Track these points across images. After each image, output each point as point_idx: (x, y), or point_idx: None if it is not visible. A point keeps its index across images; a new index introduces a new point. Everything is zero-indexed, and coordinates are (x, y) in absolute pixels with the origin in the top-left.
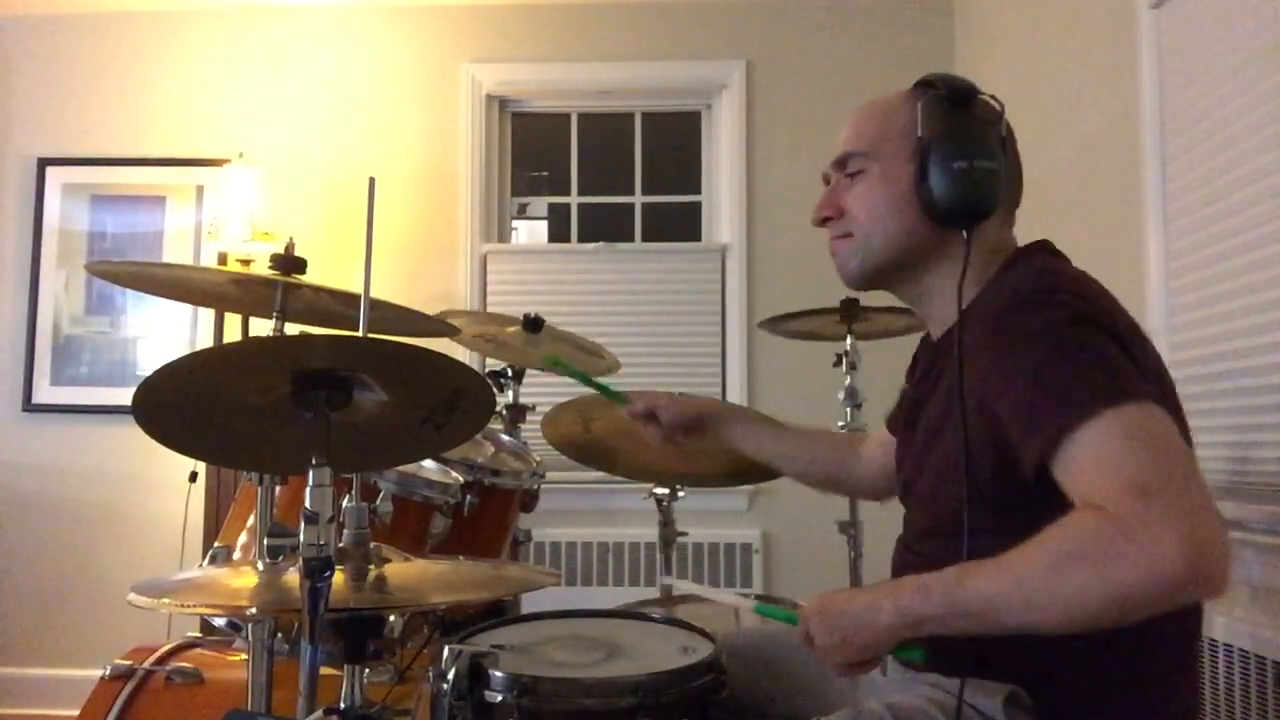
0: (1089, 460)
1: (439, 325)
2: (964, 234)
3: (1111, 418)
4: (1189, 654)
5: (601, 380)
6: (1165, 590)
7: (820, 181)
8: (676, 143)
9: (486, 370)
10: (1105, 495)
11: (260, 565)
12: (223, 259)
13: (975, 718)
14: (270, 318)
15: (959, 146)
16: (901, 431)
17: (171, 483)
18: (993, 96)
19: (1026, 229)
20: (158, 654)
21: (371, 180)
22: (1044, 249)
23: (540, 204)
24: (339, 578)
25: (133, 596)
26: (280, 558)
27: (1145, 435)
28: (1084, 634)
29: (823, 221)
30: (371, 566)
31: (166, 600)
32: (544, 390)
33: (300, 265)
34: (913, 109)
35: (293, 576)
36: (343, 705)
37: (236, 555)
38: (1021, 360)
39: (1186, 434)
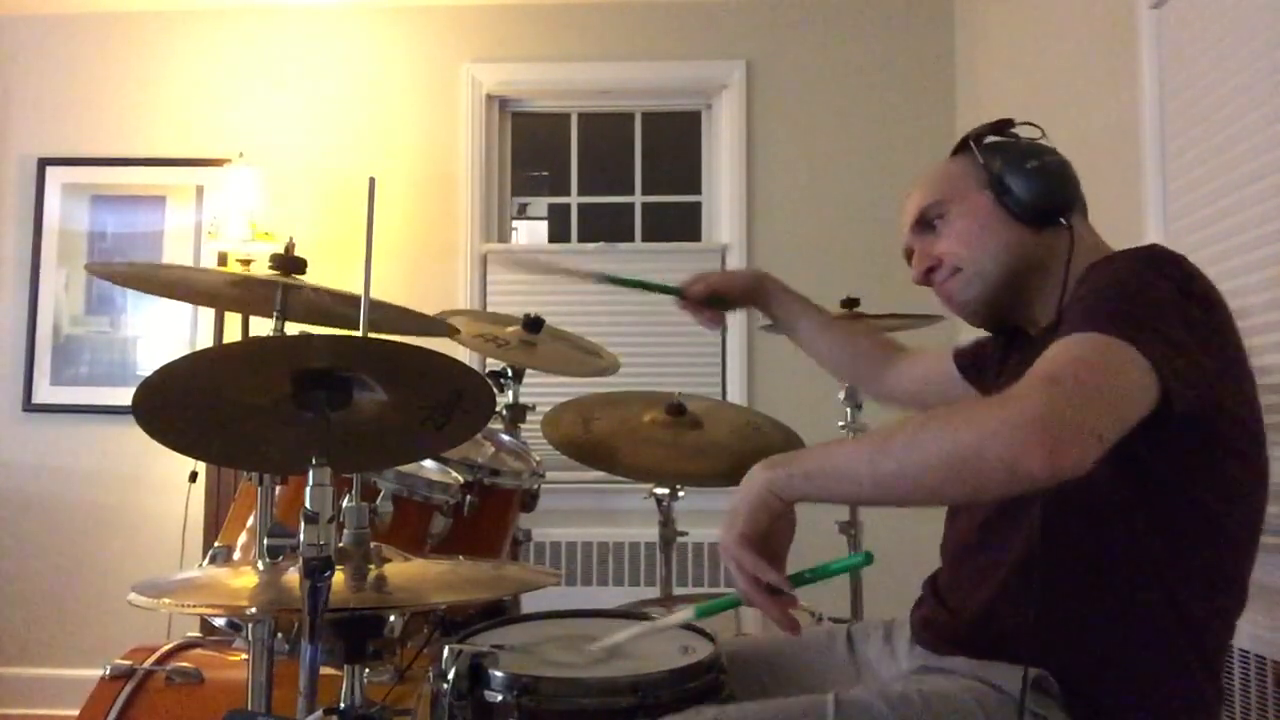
0: (1047, 352)
1: (439, 325)
2: (1062, 222)
3: (1099, 339)
4: (1217, 652)
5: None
6: (1009, 466)
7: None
8: (676, 143)
9: (486, 370)
10: (1029, 379)
11: (260, 565)
12: (223, 259)
13: (1000, 700)
14: (270, 318)
15: (1024, 152)
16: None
17: (171, 483)
18: (1029, 123)
19: None
20: (158, 654)
21: (371, 180)
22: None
23: (540, 204)
24: (339, 578)
25: (133, 596)
26: (280, 557)
27: (1101, 358)
28: (1106, 619)
29: (926, 275)
30: (371, 566)
31: (167, 600)
32: (544, 390)
33: (300, 265)
34: (965, 157)
35: (293, 577)
36: (343, 705)
37: (236, 555)
38: (1090, 293)
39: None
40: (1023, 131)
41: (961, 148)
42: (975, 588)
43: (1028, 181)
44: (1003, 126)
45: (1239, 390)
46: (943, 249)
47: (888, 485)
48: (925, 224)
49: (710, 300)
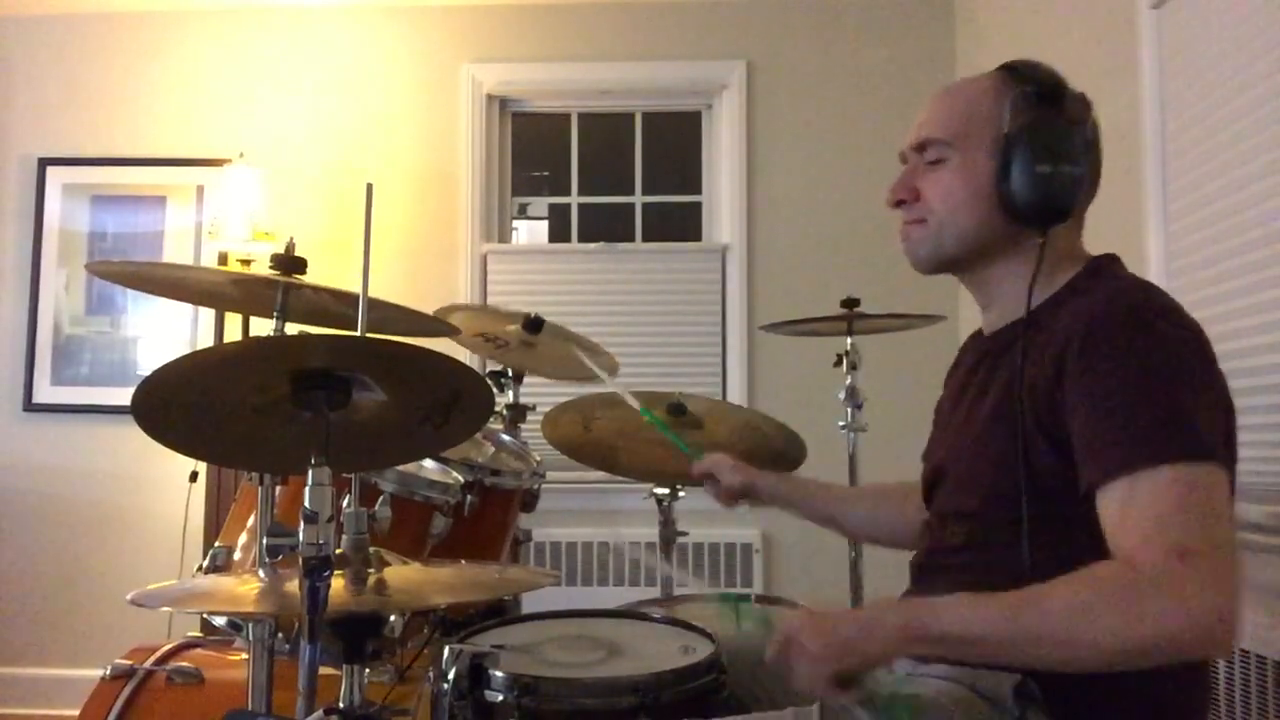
0: (1141, 508)
1: (439, 325)
2: (1040, 234)
3: (1175, 473)
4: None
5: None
6: (1179, 651)
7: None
8: (677, 143)
9: (486, 370)
10: (1146, 546)
11: (261, 572)
12: (223, 259)
13: (984, 707)
14: (270, 318)
15: (1043, 149)
16: (941, 417)
17: (171, 483)
18: (1082, 95)
19: None
20: (158, 654)
21: (369, 186)
22: (1116, 261)
23: (540, 204)
24: (338, 583)
25: (134, 593)
26: (280, 557)
27: (1202, 499)
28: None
29: (897, 204)
30: (371, 571)
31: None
32: (544, 390)
33: (300, 265)
34: (998, 99)
35: (294, 584)
36: (342, 705)
37: (237, 555)
38: (1107, 381)
39: (1234, 450)
40: (1073, 106)
41: (1007, 79)
42: (949, 585)
43: (1029, 184)
44: (1052, 89)
45: (1232, 426)
46: (925, 190)
47: (1040, 663)
48: (922, 148)
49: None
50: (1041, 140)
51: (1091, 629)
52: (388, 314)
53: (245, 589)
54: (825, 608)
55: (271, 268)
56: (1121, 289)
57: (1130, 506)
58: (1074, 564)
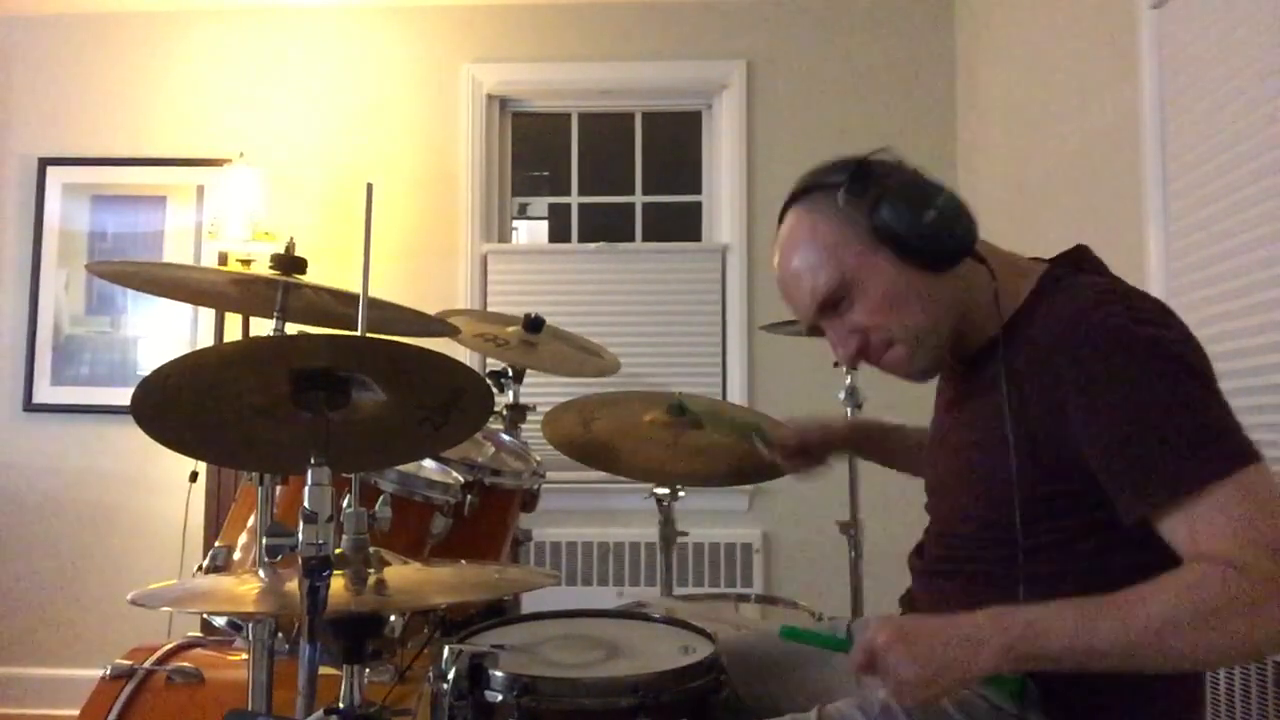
0: (1219, 523)
1: (439, 325)
2: (976, 259)
3: (1235, 482)
4: None
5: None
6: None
7: None
8: (677, 143)
9: (486, 370)
10: (1242, 550)
11: (262, 572)
12: (223, 259)
13: (985, 707)
14: (271, 318)
15: (910, 202)
16: (933, 435)
17: (171, 483)
18: (882, 150)
19: (1028, 229)
20: (158, 654)
21: (369, 186)
22: (1081, 259)
23: (541, 204)
24: (338, 583)
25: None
26: (280, 557)
27: (1268, 497)
28: None
29: (858, 353)
30: (371, 571)
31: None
32: (544, 390)
33: (300, 265)
34: (833, 216)
35: (294, 584)
36: (342, 705)
37: (237, 555)
38: (1122, 408)
39: None
40: (881, 164)
41: (813, 200)
42: (948, 599)
43: (930, 233)
44: (858, 168)
45: None
46: (865, 324)
47: (1154, 670)
48: (830, 306)
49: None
50: (900, 200)
51: (1221, 636)
52: (388, 314)
53: (245, 589)
54: (914, 622)
55: (271, 268)
56: (1090, 301)
57: (1203, 525)
58: (1076, 584)
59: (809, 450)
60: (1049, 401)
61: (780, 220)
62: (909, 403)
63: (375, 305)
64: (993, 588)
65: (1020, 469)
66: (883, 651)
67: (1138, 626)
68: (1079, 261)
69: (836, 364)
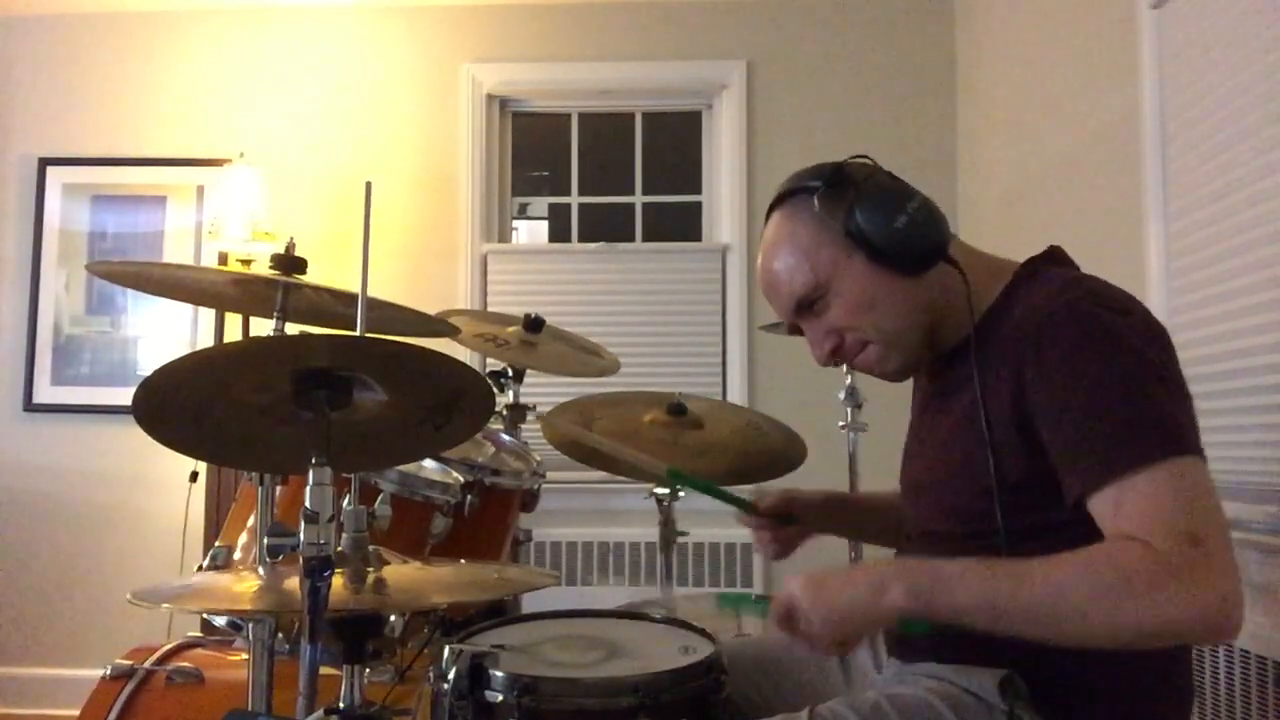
0: (1142, 505)
1: (439, 325)
2: (947, 262)
3: (1165, 470)
4: (1180, 646)
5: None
6: (1198, 633)
7: None
8: (677, 143)
9: (486, 370)
10: (1157, 535)
11: (261, 570)
12: (223, 259)
13: (971, 703)
14: (271, 318)
15: (883, 208)
16: (914, 432)
17: (171, 483)
18: (860, 156)
19: (1028, 229)
20: (158, 654)
21: (368, 185)
22: (1053, 258)
23: (541, 204)
24: (338, 582)
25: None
26: (280, 557)
27: (1196, 490)
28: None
29: (832, 353)
30: (370, 570)
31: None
32: (544, 390)
33: (301, 265)
34: (809, 221)
35: (294, 582)
36: (342, 705)
37: (237, 555)
38: (1071, 387)
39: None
40: (854, 168)
41: (793, 205)
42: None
43: (902, 237)
44: (834, 173)
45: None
46: (839, 324)
47: (1048, 639)
48: (807, 307)
49: (783, 519)
50: (874, 205)
51: (1114, 610)
52: (388, 314)
53: (245, 587)
54: (824, 572)
55: (271, 268)
56: (1059, 288)
57: (1128, 507)
58: None
59: (792, 515)
60: (1016, 386)
61: (765, 223)
62: (907, 401)
63: (375, 305)
64: None
65: (997, 459)
66: (796, 601)
67: (1038, 590)
68: (1050, 259)
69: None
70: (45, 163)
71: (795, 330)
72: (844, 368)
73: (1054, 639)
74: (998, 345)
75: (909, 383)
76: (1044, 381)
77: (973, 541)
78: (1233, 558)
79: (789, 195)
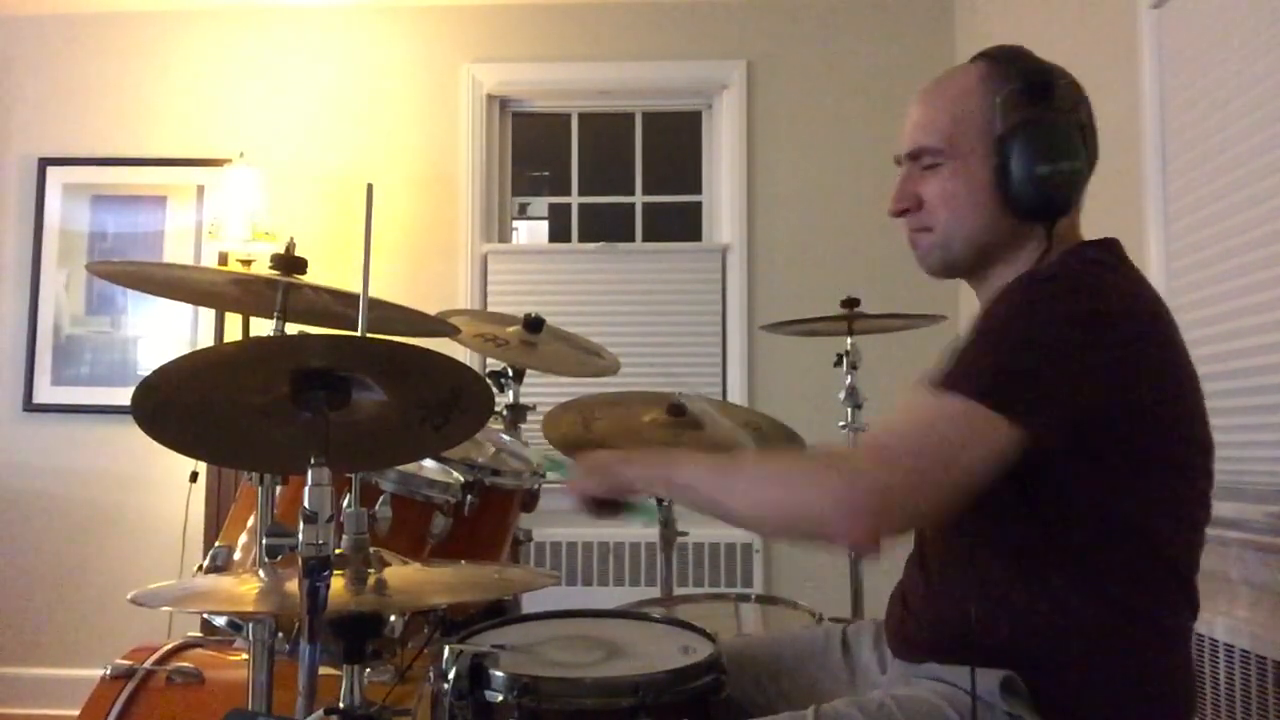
0: (900, 408)
1: (439, 325)
2: (1046, 227)
3: (951, 402)
4: (1184, 644)
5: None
6: (819, 530)
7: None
8: (677, 143)
9: (486, 370)
10: (868, 436)
11: (261, 572)
12: (223, 259)
13: (980, 706)
14: (271, 318)
15: (1038, 148)
16: None
17: (171, 483)
18: (1070, 80)
19: None
20: (158, 654)
21: (369, 186)
22: (1102, 245)
23: (541, 204)
24: (338, 583)
25: (134, 593)
26: (279, 557)
27: (938, 422)
28: (1078, 620)
29: (900, 212)
30: (371, 571)
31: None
32: (544, 390)
33: (301, 265)
34: (985, 98)
35: (294, 584)
36: (342, 705)
37: (237, 555)
38: (982, 324)
39: (1205, 437)
40: (1063, 95)
41: (990, 73)
42: (938, 595)
43: (1030, 185)
44: (1040, 83)
45: (1157, 395)
46: (926, 197)
47: (733, 519)
48: (917, 155)
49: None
50: (1035, 140)
51: (767, 493)
52: (388, 314)
53: (245, 589)
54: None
55: (271, 268)
56: (1059, 262)
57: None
58: (1059, 543)
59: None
60: None
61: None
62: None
63: (375, 305)
64: (987, 551)
65: None
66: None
67: (731, 478)
68: (1102, 245)
69: (837, 364)
70: (45, 163)
71: (900, 163)
72: (844, 368)
73: (737, 519)
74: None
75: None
76: (973, 330)
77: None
78: (907, 494)
79: (996, 61)
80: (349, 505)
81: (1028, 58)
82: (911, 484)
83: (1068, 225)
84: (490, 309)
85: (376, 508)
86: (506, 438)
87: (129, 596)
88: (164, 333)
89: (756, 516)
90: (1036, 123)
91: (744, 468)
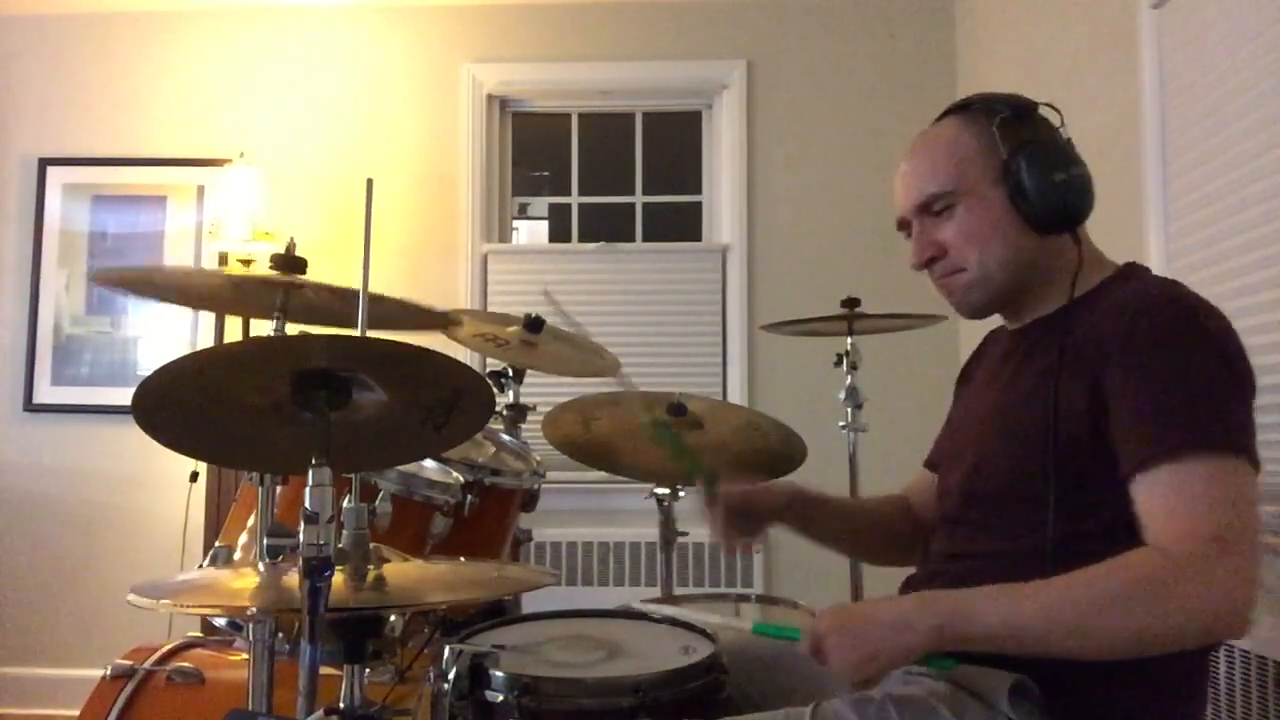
0: (1181, 494)
1: (440, 317)
2: (1073, 236)
3: (1215, 464)
4: (1197, 652)
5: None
6: (1211, 637)
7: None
8: (677, 143)
9: (487, 370)
10: (1186, 532)
11: (261, 566)
12: (224, 259)
13: (976, 706)
14: (271, 318)
15: (1049, 158)
16: (961, 407)
17: (171, 483)
18: (1048, 105)
19: None
20: (159, 654)
21: (369, 182)
22: (1147, 269)
23: (541, 204)
24: (338, 578)
25: (132, 597)
26: (280, 557)
27: (1237, 492)
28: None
29: (927, 263)
30: (371, 567)
31: (166, 601)
32: (544, 390)
33: (301, 265)
34: (980, 133)
35: (293, 577)
36: (342, 705)
37: (237, 555)
38: (1152, 366)
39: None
40: (1044, 118)
41: (972, 115)
42: (970, 559)
43: (1051, 194)
44: (1025, 109)
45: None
46: (948, 241)
47: (1076, 654)
48: (928, 208)
49: (740, 516)
50: (1044, 151)
51: (1127, 619)
52: (389, 310)
53: (244, 583)
54: (849, 609)
55: (272, 268)
56: (1160, 285)
57: (1170, 493)
58: (1091, 549)
59: (750, 511)
60: (1099, 361)
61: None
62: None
63: (375, 301)
64: (1016, 541)
65: (1062, 426)
66: (824, 637)
67: (1060, 605)
68: (1144, 269)
69: (837, 364)
70: (45, 163)
71: (904, 226)
72: (845, 368)
73: (1080, 654)
74: (1089, 327)
75: (911, 383)
76: (1125, 362)
77: (1015, 513)
78: (1256, 564)
79: (970, 107)
80: (349, 502)
81: (995, 95)
82: (1257, 558)
83: (1087, 240)
84: (490, 309)
85: (376, 503)
86: (507, 438)
87: (129, 592)
88: (164, 333)
89: (1115, 652)
90: (1035, 138)
91: (1077, 609)
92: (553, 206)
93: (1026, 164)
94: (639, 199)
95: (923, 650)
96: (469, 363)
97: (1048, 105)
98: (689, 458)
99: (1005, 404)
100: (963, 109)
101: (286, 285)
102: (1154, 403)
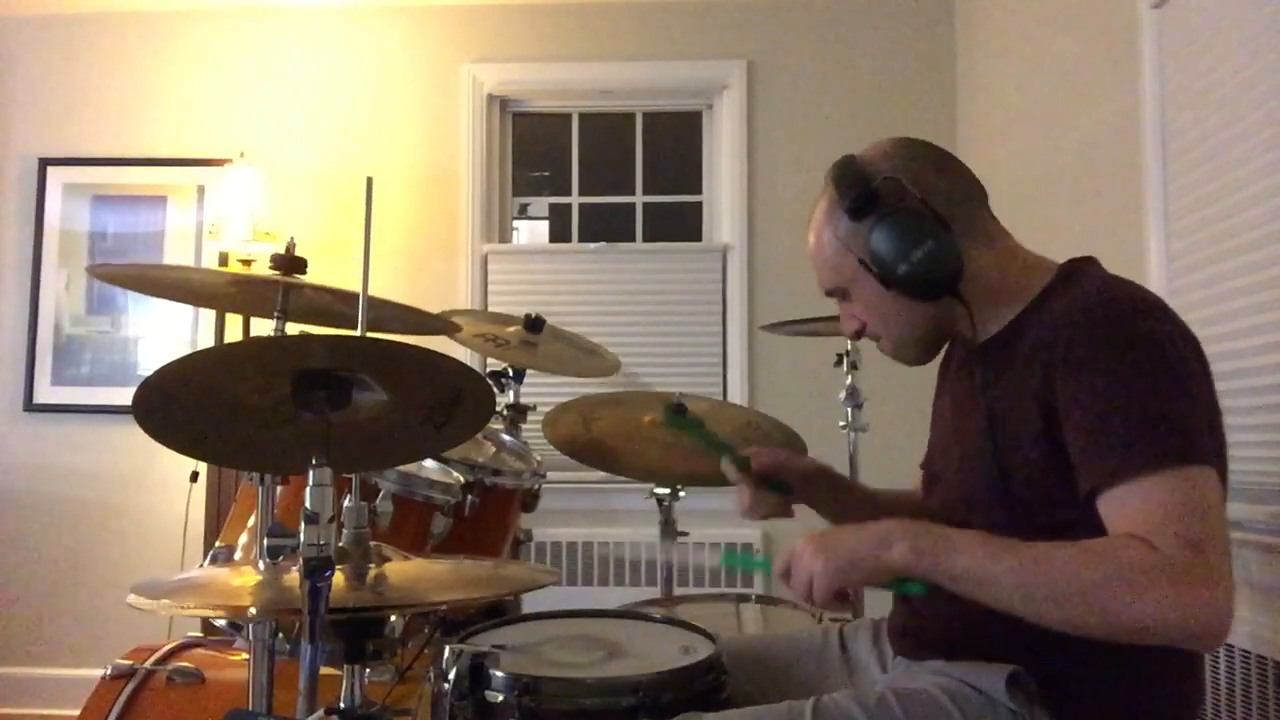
0: (1148, 508)
1: (440, 322)
2: (954, 298)
3: (1177, 476)
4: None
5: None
6: (1183, 637)
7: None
8: (677, 143)
9: (487, 370)
10: (1160, 537)
11: (261, 566)
12: (224, 259)
13: (976, 698)
14: (271, 318)
15: (901, 242)
16: (938, 422)
17: (172, 483)
18: (889, 170)
19: (1028, 230)
20: (159, 653)
21: (369, 180)
22: (1094, 262)
23: (541, 204)
24: (338, 578)
25: (132, 598)
26: (280, 558)
27: (1202, 499)
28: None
29: (855, 334)
30: (371, 566)
31: (165, 602)
32: (545, 390)
33: (301, 265)
34: (834, 232)
35: (293, 576)
36: (343, 705)
37: (238, 555)
38: (1096, 384)
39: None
40: (887, 190)
41: (829, 209)
42: (945, 592)
43: (913, 275)
44: (863, 196)
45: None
46: (860, 315)
47: (1037, 617)
48: (832, 295)
49: (770, 483)
50: (894, 235)
51: (1101, 599)
52: (388, 312)
53: (244, 582)
54: (828, 528)
55: (272, 268)
56: (1097, 288)
57: (1135, 508)
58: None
59: (782, 476)
60: (1045, 381)
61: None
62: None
63: (375, 304)
64: None
65: (1018, 454)
66: (800, 551)
67: (1038, 567)
68: (1088, 263)
69: (837, 364)
70: (45, 163)
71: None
72: (845, 368)
73: (1044, 619)
74: (1034, 342)
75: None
76: (1071, 376)
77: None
78: (1229, 569)
79: (833, 183)
80: (349, 502)
81: (848, 171)
82: (1229, 564)
83: (1003, 254)
84: (491, 309)
85: (377, 502)
86: (507, 438)
87: (130, 590)
88: (164, 333)
89: (1080, 628)
90: (877, 229)
91: (1049, 573)
92: (553, 206)
93: (881, 255)
94: (639, 199)
95: (897, 570)
96: (469, 362)
97: (895, 164)
98: (711, 438)
99: (965, 431)
100: (830, 183)
101: (286, 285)
102: (1102, 422)
